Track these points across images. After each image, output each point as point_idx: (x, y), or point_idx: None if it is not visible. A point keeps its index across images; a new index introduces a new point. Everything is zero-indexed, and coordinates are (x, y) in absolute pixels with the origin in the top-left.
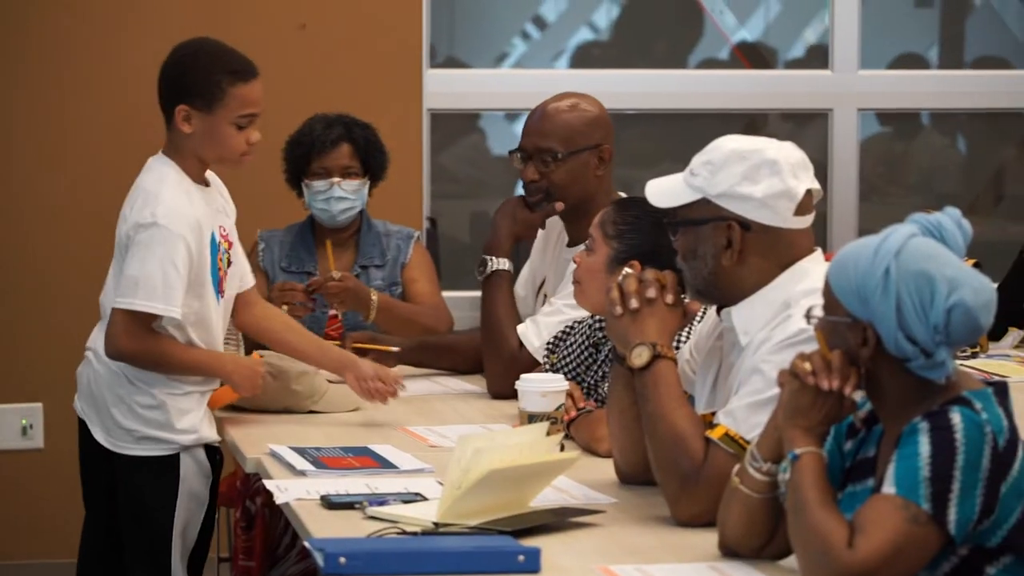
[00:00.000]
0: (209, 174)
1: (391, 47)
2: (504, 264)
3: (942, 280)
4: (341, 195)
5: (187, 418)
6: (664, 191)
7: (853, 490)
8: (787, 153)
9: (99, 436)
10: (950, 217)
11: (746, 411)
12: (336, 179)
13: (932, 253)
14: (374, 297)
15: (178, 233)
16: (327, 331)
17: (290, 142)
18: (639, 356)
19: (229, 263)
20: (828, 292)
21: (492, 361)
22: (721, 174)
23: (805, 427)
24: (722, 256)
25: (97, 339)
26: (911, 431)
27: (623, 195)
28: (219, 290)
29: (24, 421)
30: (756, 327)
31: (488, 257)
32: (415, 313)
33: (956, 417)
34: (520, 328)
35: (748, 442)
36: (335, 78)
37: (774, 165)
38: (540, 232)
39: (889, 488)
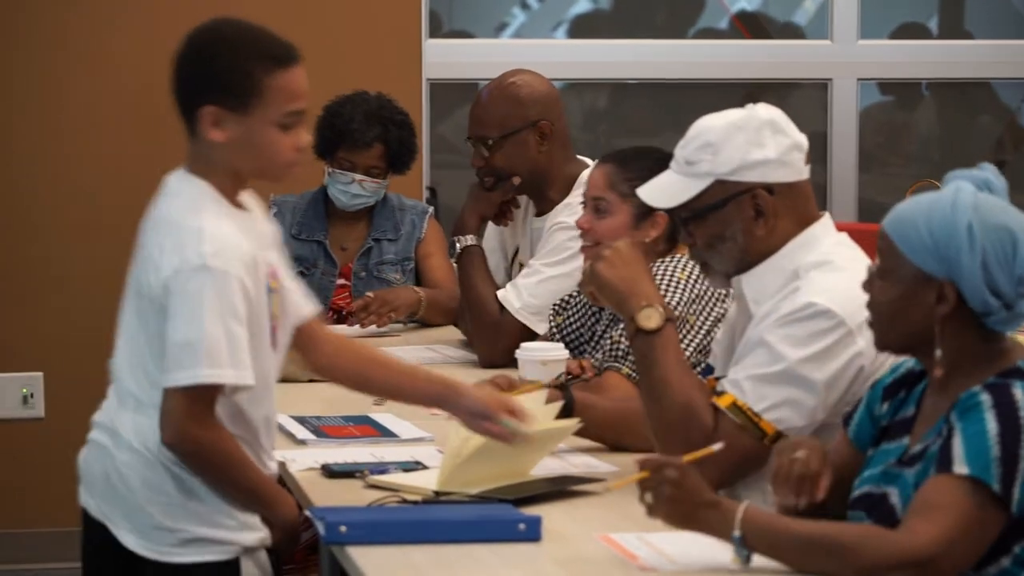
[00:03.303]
0: (245, 193)
1: (390, 17)
2: (471, 240)
3: (1022, 231)
4: (359, 192)
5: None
6: (666, 191)
7: (887, 447)
8: (773, 111)
9: (129, 541)
10: (991, 173)
11: (752, 383)
12: (359, 176)
13: (1003, 206)
14: (421, 294)
15: (235, 275)
16: (334, 300)
17: (327, 116)
18: (649, 318)
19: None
20: (893, 254)
21: (479, 331)
22: (726, 151)
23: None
24: (754, 228)
25: (117, 418)
26: (972, 405)
27: (585, 159)
28: (273, 343)
29: (24, 390)
30: (766, 296)
31: (456, 238)
32: (453, 299)
33: (1019, 393)
34: (500, 293)
35: (756, 413)
36: (335, 49)
37: (773, 124)
38: (512, 219)
39: (961, 468)
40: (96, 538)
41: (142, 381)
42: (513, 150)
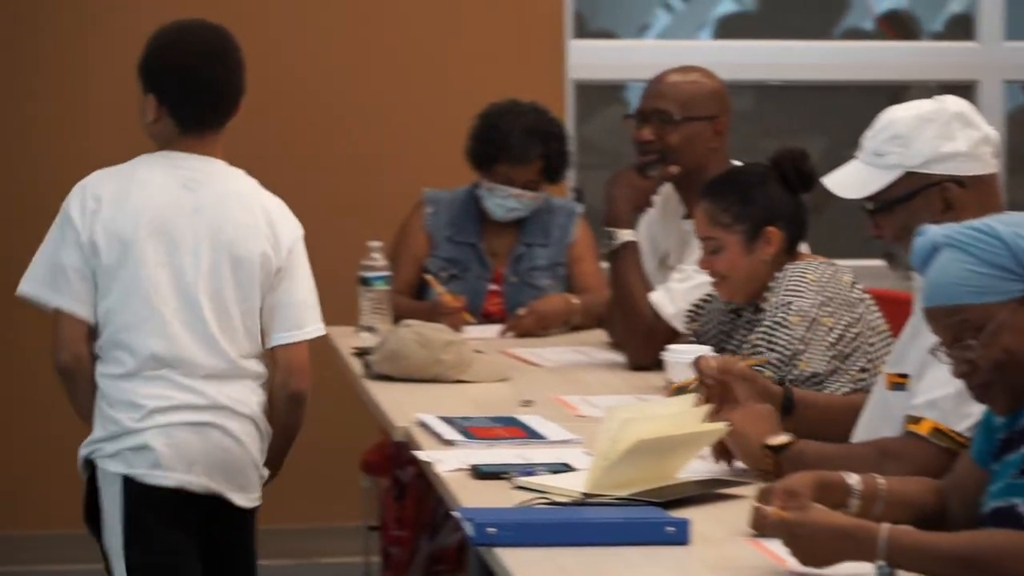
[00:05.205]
0: None
1: (534, 18)
2: (629, 235)
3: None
4: (515, 206)
5: None
6: (854, 182)
7: (1009, 459)
8: (962, 103)
9: (240, 500)
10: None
11: (951, 401)
12: (517, 191)
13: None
14: (575, 301)
15: None
16: (486, 306)
17: (484, 128)
18: (778, 439)
19: None
20: (976, 313)
21: (630, 334)
22: (916, 143)
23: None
24: (942, 221)
25: (217, 393)
26: None
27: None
28: None
29: None
30: None
31: (612, 230)
32: (606, 304)
33: None
34: (653, 297)
35: (961, 435)
36: (479, 51)
37: (962, 116)
38: (653, 207)
39: None
40: (193, 514)
41: (252, 347)
42: (691, 135)
